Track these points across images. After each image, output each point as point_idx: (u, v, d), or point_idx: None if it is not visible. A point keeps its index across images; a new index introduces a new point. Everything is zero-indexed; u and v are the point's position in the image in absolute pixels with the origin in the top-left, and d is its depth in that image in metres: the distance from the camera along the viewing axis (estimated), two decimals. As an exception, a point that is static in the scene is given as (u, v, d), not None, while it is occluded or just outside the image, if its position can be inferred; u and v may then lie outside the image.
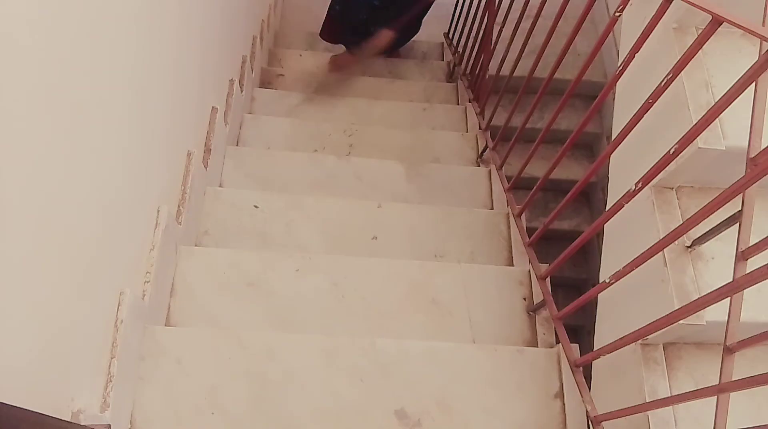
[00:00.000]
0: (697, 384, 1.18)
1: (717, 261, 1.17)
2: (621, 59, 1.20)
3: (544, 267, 1.59)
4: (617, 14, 1.20)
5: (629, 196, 1.14)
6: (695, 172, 1.23)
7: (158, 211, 1.38)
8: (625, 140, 1.18)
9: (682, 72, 1.03)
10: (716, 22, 0.90)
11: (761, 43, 0.88)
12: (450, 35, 3.13)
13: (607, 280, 1.18)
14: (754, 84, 0.90)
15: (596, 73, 2.78)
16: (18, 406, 0.63)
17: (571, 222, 2.79)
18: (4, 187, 0.71)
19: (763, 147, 0.97)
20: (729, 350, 0.97)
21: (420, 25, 2.88)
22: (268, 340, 1.40)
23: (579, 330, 2.57)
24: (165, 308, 1.48)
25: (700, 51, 0.99)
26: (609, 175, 1.51)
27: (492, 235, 1.91)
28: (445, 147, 2.38)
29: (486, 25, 2.35)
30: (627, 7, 1.19)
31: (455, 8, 2.98)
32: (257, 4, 2.65)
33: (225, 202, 1.82)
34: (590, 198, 2.86)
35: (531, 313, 1.64)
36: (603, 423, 1.22)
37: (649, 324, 1.05)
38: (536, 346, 1.58)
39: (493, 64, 2.26)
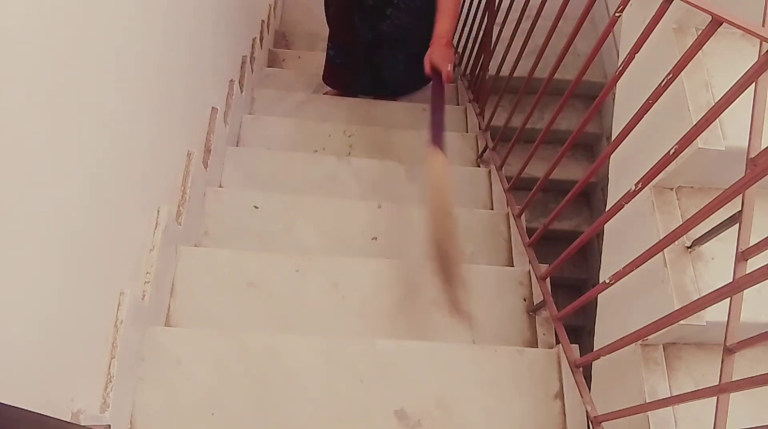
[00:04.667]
0: (697, 384, 1.18)
1: (717, 261, 1.17)
2: (621, 60, 1.20)
3: (544, 267, 1.59)
4: (617, 14, 1.20)
5: (629, 196, 1.14)
6: (695, 172, 1.23)
7: (158, 211, 1.38)
8: (625, 141, 1.18)
9: (682, 72, 1.03)
10: (716, 22, 0.90)
11: (761, 44, 0.87)
12: (450, 36, 3.13)
13: (607, 281, 1.18)
14: (754, 84, 0.90)
15: (596, 74, 2.78)
16: (18, 406, 0.63)
17: (571, 222, 2.79)
18: (4, 187, 0.71)
19: (763, 147, 0.97)
20: (729, 350, 0.97)
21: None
22: (268, 341, 1.40)
23: (579, 330, 2.57)
24: (165, 309, 1.48)
25: (700, 51, 0.99)
26: (609, 176, 1.51)
27: (492, 235, 1.91)
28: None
29: (486, 25, 2.35)
30: (627, 7, 1.19)
31: (455, 9, 2.97)
32: (257, 5, 2.65)
33: (225, 203, 1.82)
34: (590, 198, 2.86)
35: (531, 313, 1.64)
36: (603, 423, 1.22)
37: (649, 324, 1.05)
38: (536, 346, 1.58)
39: (492, 65, 2.26)
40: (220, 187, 1.97)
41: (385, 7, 2.15)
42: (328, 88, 2.68)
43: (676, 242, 1.06)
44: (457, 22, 1.83)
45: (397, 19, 2.16)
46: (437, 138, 1.66)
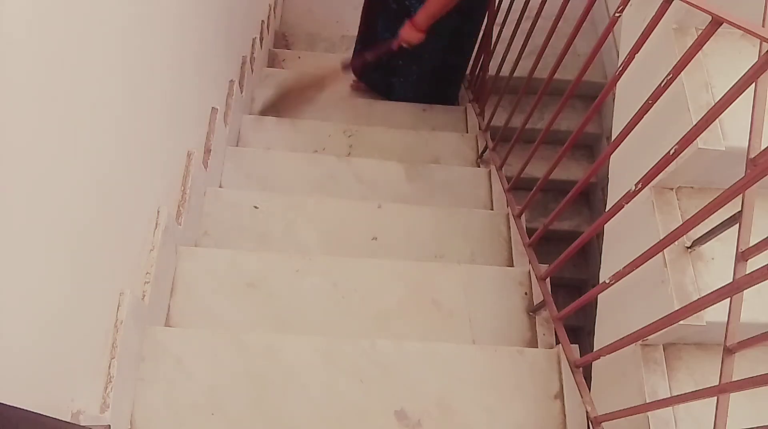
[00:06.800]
0: (698, 384, 1.18)
1: (717, 261, 1.17)
2: (621, 60, 1.20)
3: (544, 267, 1.59)
4: (617, 15, 1.20)
5: (629, 196, 1.14)
6: (695, 172, 1.23)
7: (158, 211, 1.38)
8: (625, 141, 1.18)
9: (682, 73, 1.03)
10: (716, 22, 0.90)
11: (761, 44, 0.87)
12: (450, 36, 3.13)
13: (607, 281, 1.18)
14: (753, 85, 0.90)
15: (596, 74, 2.78)
16: (18, 406, 0.63)
17: (571, 222, 2.79)
18: (4, 188, 0.71)
19: (763, 147, 0.97)
20: (729, 351, 0.97)
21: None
22: (268, 341, 1.40)
23: (579, 331, 2.57)
24: (165, 309, 1.48)
25: (700, 52, 0.99)
26: (609, 176, 1.51)
27: (492, 235, 1.91)
28: (445, 147, 2.38)
29: (486, 25, 2.35)
30: (627, 7, 1.19)
31: (455, 9, 2.97)
32: (257, 5, 2.65)
33: (225, 203, 1.82)
34: (590, 198, 2.86)
35: (531, 313, 1.64)
36: (603, 423, 1.22)
37: (649, 324, 1.05)
38: (536, 346, 1.58)
39: (493, 65, 2.26)
40: (220, 187, 1.97)
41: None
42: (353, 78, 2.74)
43: (676, 242, 1.06)
44: (435, 16, 2.03)
45: None
46: (359, 62, 2.33)
